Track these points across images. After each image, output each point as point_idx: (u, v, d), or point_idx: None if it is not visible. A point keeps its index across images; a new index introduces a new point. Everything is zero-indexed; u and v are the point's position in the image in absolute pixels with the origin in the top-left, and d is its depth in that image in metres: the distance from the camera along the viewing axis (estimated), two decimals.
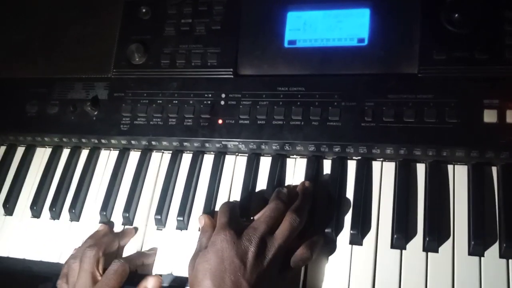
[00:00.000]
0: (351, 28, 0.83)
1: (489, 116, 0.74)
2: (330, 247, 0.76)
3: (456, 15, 0.78)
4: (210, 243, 0.71)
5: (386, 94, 0.78)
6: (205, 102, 0.86)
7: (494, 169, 0.76)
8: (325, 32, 0.84)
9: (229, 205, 0.77)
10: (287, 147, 0.82)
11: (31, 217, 0.93)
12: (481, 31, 0.77)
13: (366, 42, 0.82)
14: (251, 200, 0.82)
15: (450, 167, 0.78)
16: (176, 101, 0.88)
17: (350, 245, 0.76)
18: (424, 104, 0.76)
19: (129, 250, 0.85)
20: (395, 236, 0.74)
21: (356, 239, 0.76)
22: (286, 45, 0.85)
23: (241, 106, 0.84)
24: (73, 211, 0.89)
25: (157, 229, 0.85)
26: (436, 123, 0.75)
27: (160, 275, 0.80)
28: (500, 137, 0.73)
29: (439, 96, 0.76)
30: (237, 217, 0.76)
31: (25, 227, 0.92)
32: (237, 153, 0.87)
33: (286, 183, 0.83)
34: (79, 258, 0.79)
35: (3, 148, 1.01)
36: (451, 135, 0.74)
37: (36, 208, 0.92)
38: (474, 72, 0.76)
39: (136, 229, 0.87)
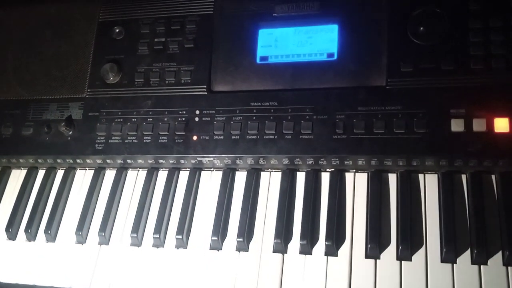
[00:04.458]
0: (321, 43, 0.85)
1: (457, 125, 0.75)
2: (305, 259, 0.77)
3: (422, 28, 0.81)
4: None
5: (356, 106, 0.80)
6: (179, 119, 0.87)
7: (463, 177, 0.78)
8: (296, 48, 0.86)
9: None
10: (261, 161, 0.83)
11: (7, 240, 0.91)
12: (447, 42, 0.80)
13: (335, 57, 0.84)
14: (228, 215, 0.83)
15: (420, 176, 0.79)
16: (151, 119, 0.88)
17: (326, 257, 0.77)
18: (393, 116, 0.78)
19: (105, 268, 0.84)
20: (369, 246, 0.75)
21: (331, 250, 0.76)
22: (258, 61, 0.87)
23: (215, 122, 0.85)
24: (49, 232, 0.88)
25: (134, 247, 0.85)
26: (405, 133, 0.77)
27: None
28: (468, 145, 0.74)
29: (407, 107, 0.78)
30: None
31: (1, 249, 0.91)
32: (212, 169, 0.88)
33: (262, 196, 0.84)
34: None
35: None
36: (420, 145, 0.76)
37: (11, 231, 0.91)
38: (440, 82, 0.78)
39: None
